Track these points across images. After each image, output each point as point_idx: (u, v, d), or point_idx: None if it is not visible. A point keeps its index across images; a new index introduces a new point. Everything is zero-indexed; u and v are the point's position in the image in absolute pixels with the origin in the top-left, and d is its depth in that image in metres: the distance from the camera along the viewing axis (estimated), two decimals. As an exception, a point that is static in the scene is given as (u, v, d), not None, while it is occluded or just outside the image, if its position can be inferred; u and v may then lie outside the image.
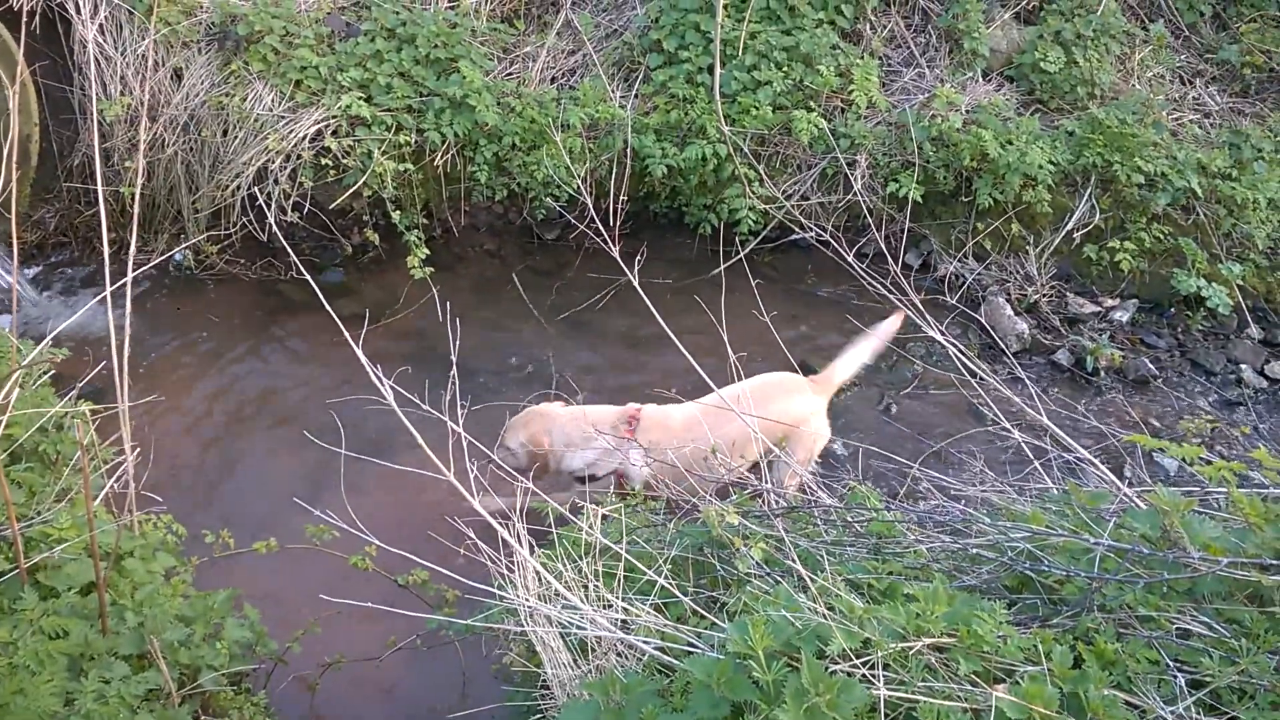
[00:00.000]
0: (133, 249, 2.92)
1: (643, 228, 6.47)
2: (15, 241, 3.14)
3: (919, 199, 6.07)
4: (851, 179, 6.11)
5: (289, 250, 3.28)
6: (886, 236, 6.09)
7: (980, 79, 6.82)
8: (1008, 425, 2.82)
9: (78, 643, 2.57)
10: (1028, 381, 3.05)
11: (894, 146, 6.32)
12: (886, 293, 3.06)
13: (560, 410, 4.10)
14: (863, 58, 6.54)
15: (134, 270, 3.09)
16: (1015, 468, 3.15)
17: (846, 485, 2.89)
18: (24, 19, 3.12)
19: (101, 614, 2.72)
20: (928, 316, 2.95)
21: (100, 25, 5.75)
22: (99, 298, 3.28)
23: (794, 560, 2.32)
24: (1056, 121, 6.62)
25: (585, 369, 5.06)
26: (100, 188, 2.94)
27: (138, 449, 3.21)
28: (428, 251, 5.82)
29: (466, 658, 3.44)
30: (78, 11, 5.68)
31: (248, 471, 4.60)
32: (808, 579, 2.19)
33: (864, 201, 5.72)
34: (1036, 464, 2.83)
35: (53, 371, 3.84)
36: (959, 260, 6.21)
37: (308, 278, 2.90)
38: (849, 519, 2.64)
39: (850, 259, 3.20)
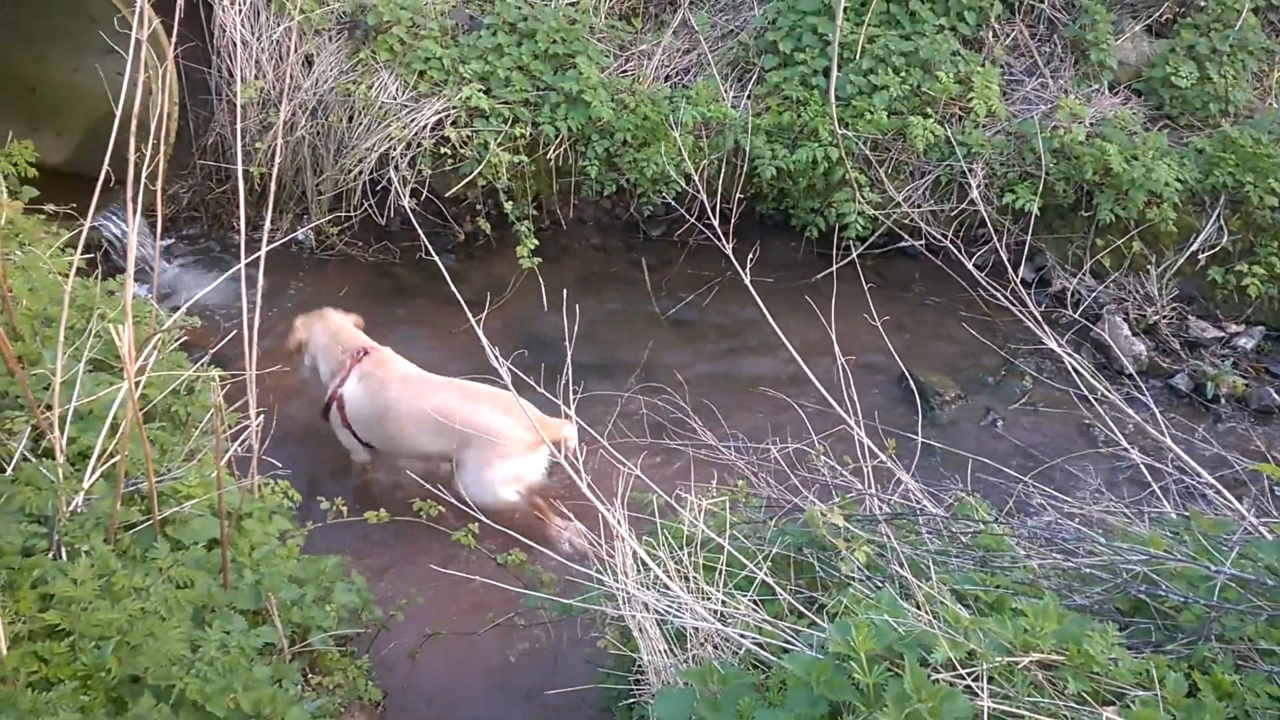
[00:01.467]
0: (267, 227, 3.06)
1: (748, 228, 6.47)
2: (159, 216, 3.31)
3: (1037, 211, 5.91)
4: (968, 188, 5.99)
5: (419, 232, 3.41)
6: (995, 248, 5.95)
7: (1106, 91, 6.62)
8: (1126, 445, 2.74)
9: (202, 594, 2.70)
10: (1150, 403, 2.95)
11: (1012, 157, 6.18)
12: (1006, 304, 3.00)
13: (335, 318, 4.62)
14: (984, 65, 6.42)
15: (267, 246, 3.23)
16: (1130, 490, 3.07)
17: (954, 496, 2.86)
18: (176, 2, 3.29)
19: (224, 569, 2.86)
20: (1048, 330, 2.89)
21: (239, 10, 6.02)
22: (233, 271, 3.44)
23: (899, 567, 2.31)
24: (1186, 138, 6.38)
25: (685, 364, 5.08)
26: (240, 167, 3.09)
27: (262, 415, 3.36)
28: (536, 242, 5.93)
29: (560, 638, 3.50)
30: (220, -2, 5.97)
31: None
32: (914, 586, 2.17)
33: (982, 211, 5.59)
34: (1155, 486, 2.74)
35: (183, 339, 4.05)
36: (1076, 276, 6.04)
37: (437, 261, 3.02)
38: (955, 530, 2.60)
39: (971, 267, 3.16)
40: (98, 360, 3.34)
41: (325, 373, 4.47)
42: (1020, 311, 2.92)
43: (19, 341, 3.25)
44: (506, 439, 4.02)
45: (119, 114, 2.80)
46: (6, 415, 2.94)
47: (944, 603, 2.17)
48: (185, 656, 2.39)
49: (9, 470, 2.78)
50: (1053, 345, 2.84)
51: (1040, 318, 3.08)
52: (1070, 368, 2.98)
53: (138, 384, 2.56)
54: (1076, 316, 4.69)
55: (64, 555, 2.60)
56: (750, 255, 3.36)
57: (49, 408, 2.88)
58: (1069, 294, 5.98)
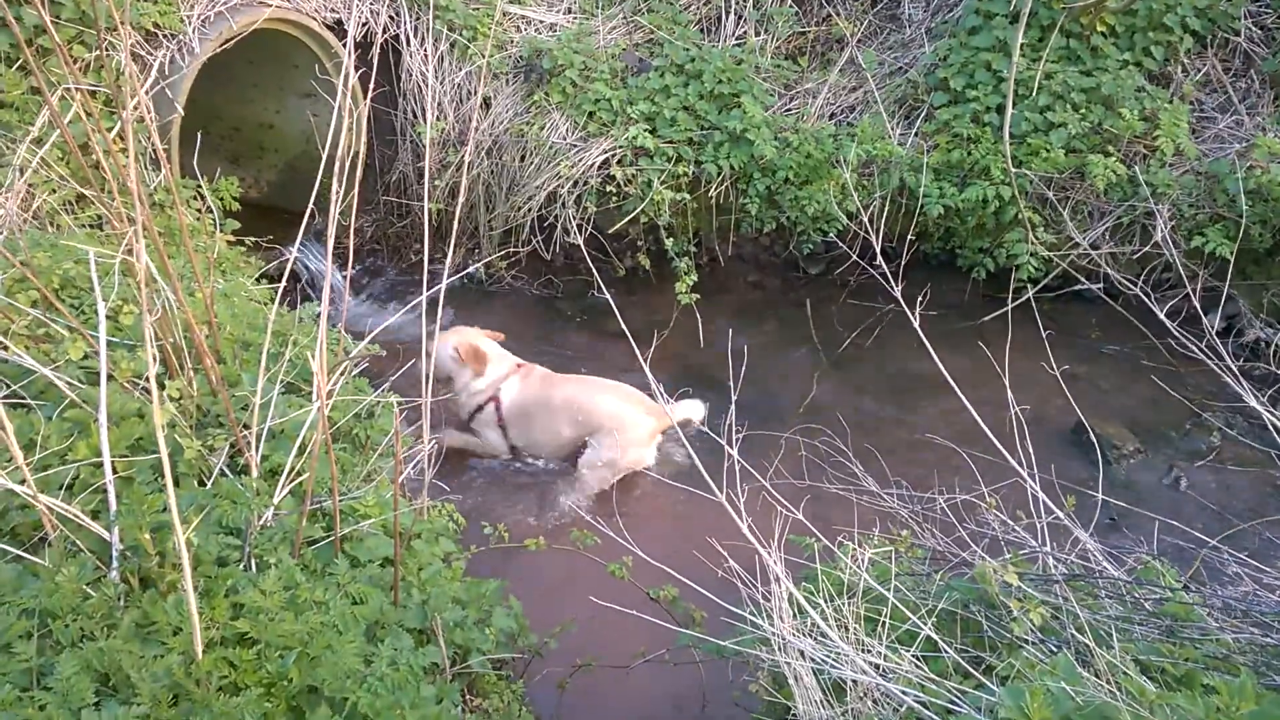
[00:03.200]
0: (449, 261, 3.21)
1: (912, 267, 6.31)
2: (351, 248, 3.54)
3: (1228, 256, 5.54)
4: (1152, 230, 5.67)
5: (586, 267, 3.49)
6: (1186, 295, 5.60)
7: (1310, 128, 6.15)
8: (1334, 514, 2.52)
9: (375, 610, 2.83)
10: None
11: (1202, 198, 5.81)
12: (1199, 355, 2.82)
13: (487, 339, 5.00)
14: (1172, 101, 6.09)
15: (448, 280, 3.39)
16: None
17: (1136, 558, 2.69)
18: (373, 49, 3.53)
19: (395, 587, 2.99)
20: (1246, 384, 2.69)
21: (425, 56, 6.38)
22: (415, 303, 3.63)
23: (1076, 632, 2.19)
24: (1398, 179, 5.84)
25: (846, 406, 5.01)
26: (427, 204, 3.26)
27: (433, 440, 3.51)
28: (695, 279, 5.99)
29: (709, 679, 3.48)
30: (408, 44, 6.34)
31: (526, 472, 4.91)
32: (1095, 652, 2.05)
33: (1169, 255, 5.29)
34: (1368, 561, 2.50)
35: (364, 365, 4.29)
36: (1272, 326, 5.61)
37: (608, 297, 3.09)
38: (1138, 595, 2.45)
39: (1161, 315, 2.98)
40: (290, 383, 3.58)
41: (467, 383, 4.92)
42: (1216, 364, 2.73)
43: (221, 364, 3.51)
44: (629, 425, 4.48)
45: (325, 155, 3.00)
46: (209, 433, 3.18)
47: (1127, 673, 2.04)
48: (359, 671, 2.50)
49: (209, 484, 3.00)
50: (1250, 400, 2.64)
51: (1236, 370, 2.88)
52: (1269, 422, 2.76)
53: (325, 407, 2.73)
54: (1276, 370, 4.34)
55: (254, 567, 2.78)
56: (920, 296, 3.28)
57: (246, 427, 3.11)
58: (1264, 345, 5.56)
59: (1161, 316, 2.95)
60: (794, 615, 2.68)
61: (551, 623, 3.57)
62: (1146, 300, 3.40)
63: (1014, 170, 5.83)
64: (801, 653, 2.55)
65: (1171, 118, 5.89)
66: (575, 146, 6.18)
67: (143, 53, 5.12)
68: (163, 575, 2.47)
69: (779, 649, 2.62)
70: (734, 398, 2.84)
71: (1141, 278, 5.80)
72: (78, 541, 2.55)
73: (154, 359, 2.46)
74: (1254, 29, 6.44)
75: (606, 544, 3.57)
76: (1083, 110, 5.94)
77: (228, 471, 3.10)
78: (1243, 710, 1.93)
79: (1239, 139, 6.05)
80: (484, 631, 3.17)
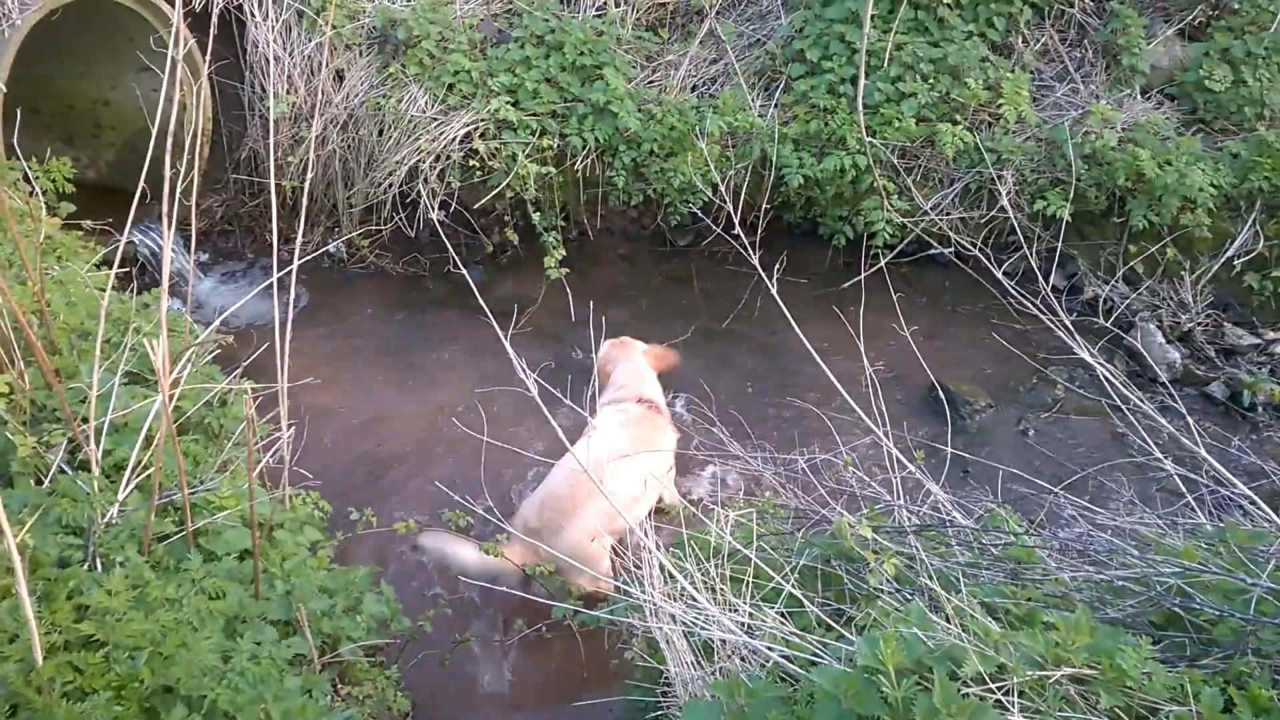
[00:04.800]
0: (300, 240, 3.10)
1: (776, 237, 6.46)
2: (194, 230, 3.38)
3: (1068, 217, 5.86)
4: (998, 195, 5.94)
5: (448, 245, 3.42)
6: (1026, 256, 5.91)
7: (1138, 96, 6.54)
8: (1159, 456, 2.70)
9: (233, 605, 2.73)
10: (1184, 411, 2.91)
11: (1043, 163, 6.12)
12: (1037, 312, 2.97)
13: (640, 357, 4.41)
14: (1013, 71, 6.37)
15: (299, 260, 3.27)
16: (1164, 501, 3.02)
17: (984, 507, 2.83)
18: (211, 19, 3.35)
19: (255, 580, 2.89)
20: (1079, 339, 2.85)
21: (271, 27, 6.11)
22: (266, 284, 3.48)
23: (928, 579, 2.29)
24: (1220, 143, 6.29)
25: (712, 375, 5.08)
26: (273, 181, 3.13)
27: (293, 427, 3.40)
28: (564, 253, 5.96)
29: (587, 650, 3.50)
30: (252, 15, 6.06)
31: (391, 452, 4.81)
32: (943, 598, 2.15)
33: (1012, 218, 5.55)
34: (1189, 497, 2.70)
35: (216, 351, 4.11)
36: (1108, 283, 5.97)
37: (465, 275, 3.05)
38: (985, 541, 2.58)
39: (1000, 276, 3.13)
40: (133, 373, 3.39)
41: (607, 396, 4.22)
42: (1051, 320, 2.89)
43: (56, 355, 3.30)
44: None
45: (156, 131, 2.84)
46: (44, 428, 2.99)
47: (974, 616, 2.15)
48: (217, 667, 2.42)
49: (46, 482, 2.83)
50: (1084, 355, 2.81)
51: (1072, 326, 3.05)
52: (1103, 377, 2.94)
53: (172, 397, 2.60)
54: (1109, 325, 4.63)
55: (99, 566, 2.63)
56: (778, 264, 3.35)
57: (85, 420, 2.93)
58: (1101, 301, 5.92)
59: (1000, 277, 3.10)
60: (665, 581, 2.72)
61: (428, 606, 3.53)
62: (987, 262, 3.56)
63: (868, 140, 6.00)
64: (673, 617, 2.59)
65: (1013, 86, 6.16)
66: (435, 120, 6.03)
67: (-45, 23, 4.73)
68: (-6, 581, 2.32)
69: (651, 615, 2.66)
70: (595, 370, 2.84)
71: (987, 240, 6.09)
72: (-106, 551, 2.36)
73: (-28, 352, 2.29)
74: (1087, 1, 6.79)
75: (479, 522, 3.54)
76: (931, 80, 6.15)
77: (66, 469, 2.92)
78: (1078, 643, 2.05)
79: (1075, 106, 6.38)
80: (354, 619, 3.10)
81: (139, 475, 2.91)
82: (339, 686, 3.04)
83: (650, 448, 3.77)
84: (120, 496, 2.81)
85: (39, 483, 2.87)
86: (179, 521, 2.93)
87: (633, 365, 4.30)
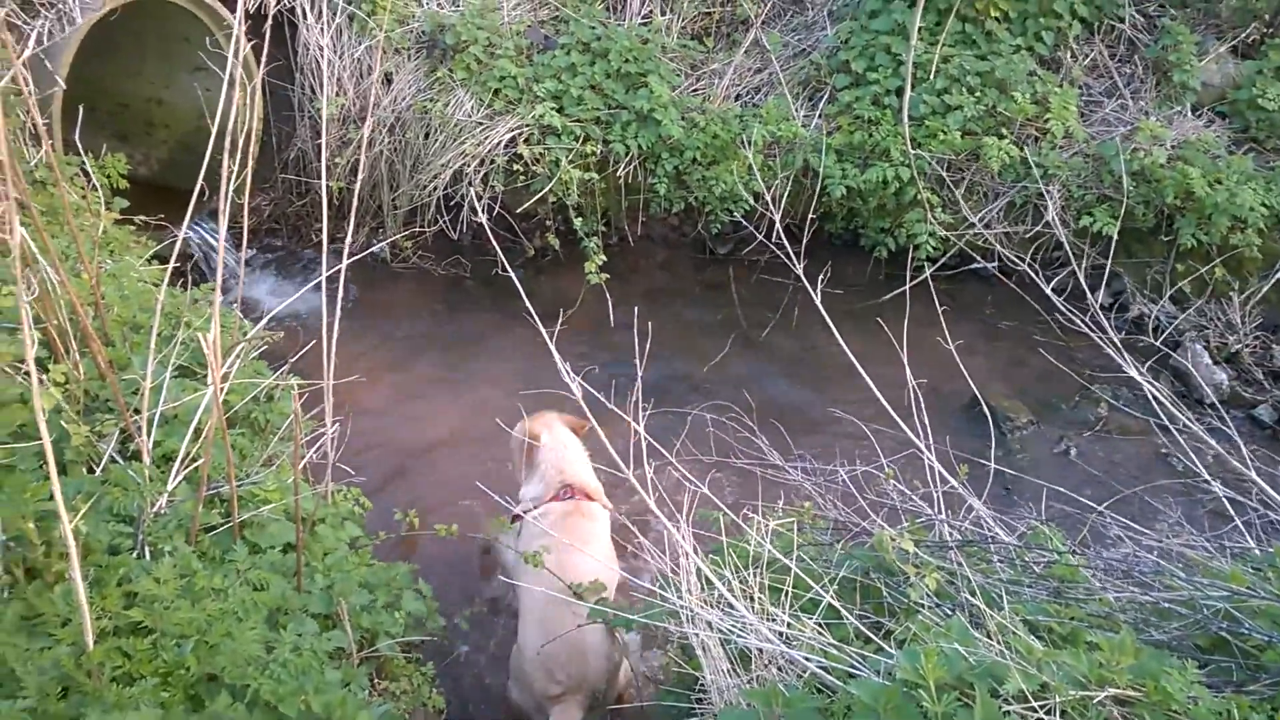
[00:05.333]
0: (349, 240, 3.14)
1: (817, 247, 6.44)
2: (245, 229, 3.44)
3: (1115, 235, 5.79)
4: (1044, 210, 5.89)
5: (492, 247, 3.45)
6: (1073, 272, 5.84)
7: (1189, 114, 6.46)
8: (1208, 477, 2.67)
9: (277, 597, 2.77)
10: (1234, 434, 2.86)
11: (1090, 179, 6.06)
12: (1084, 329, 2.94)
13: (561, 430, 3.90)
14: (1061, 86, 6.32)
15: (348, 259, 3.32)
16: (1211, 524, 2.97)
17: (1027, 524, 2.80)
18: (266, 21, 3.40)
19: (298, 573, 2.93)
20: (1128, 356, 2.82)
21: (323, 30, 6.20)
22: (315, 282, 3.54)
23: (969, 595, 2.27)
24: (1272, 162, 6.20)
25: (752, 384, 5.08)
26: (324, 181, 3.17)
27: (337, 424, 3.44)
28: (604, 259, 5.98)
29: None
30: (304, 17, 6.15)
31: (432, 451, 4.85)
32: (986, 614, 2.13)
33: (1059, 234, 5.50)
34: (1237, 521, 2.66)
35: (263, 347, 4.17)
36: (1155, 302, 5.89)
37: (512, 276, 3.06)
38: (1028, 559, 2.55)
39: (1048, 291, 3.10)
40: (184, 367, 3.45)
41: (529, 487, 3.86)
42: (1099, 337, 2.86)
43: (110, 347, 3.37)
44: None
45: (215, 130, 2.90)
46: (97, 418, 3.06)
47: (1016, 633, 2.13)
48: (260, 657, 2.45)
49: (99, 471, 2.89)
50: (1132, 372, 2.77)
51: (1119, 344, 3.01)
52: (1150, 394, 2.91)
53: (221, 390, 2.64)
54: (1157, 344, 4.56)
55: (148, 555, 2.68)
56: (821, 275, 3.34)
57: (137, 412, 2.99)
58: (1148, 320, 5.84)
59: (1048, 292, 3.07)
60: (702, 588, 2.72)
61: (468, 606, 3.56)
62: (1035, 277, 3.53)
63: (913, 152, 5.98)
64: (709, 624, 2.59)
65: (1061, 101, 6.11)
66: (481, 124, 6.09)
67: (19, 21, 4.85)
68: (49, 565, 2.37)
69: (687, 621, 2.66)
70: (639, 374, 2.85)
71: (1032, 256, 6.04)
72: (-45, 533, 2.42)
73: (33, 341, 2.35)
74: (1138, 16, 6.72)
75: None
76: (978, 93, 6.12)
77: (118, 458, 2.98)
78: (1123, 664, 2.03)
79: (1124, 122, 6.31)
80: (393, 615, 3.13)
81: (188, 467, 2.97)
82: (376, 681, 3.07)
83: (586, 542, 3.46)
84: (169, 487, 2.86)
85: (91, 471, 2.93)
86: (225, 513, 2.98)
87: (554, 442, 3.86)
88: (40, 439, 2.07)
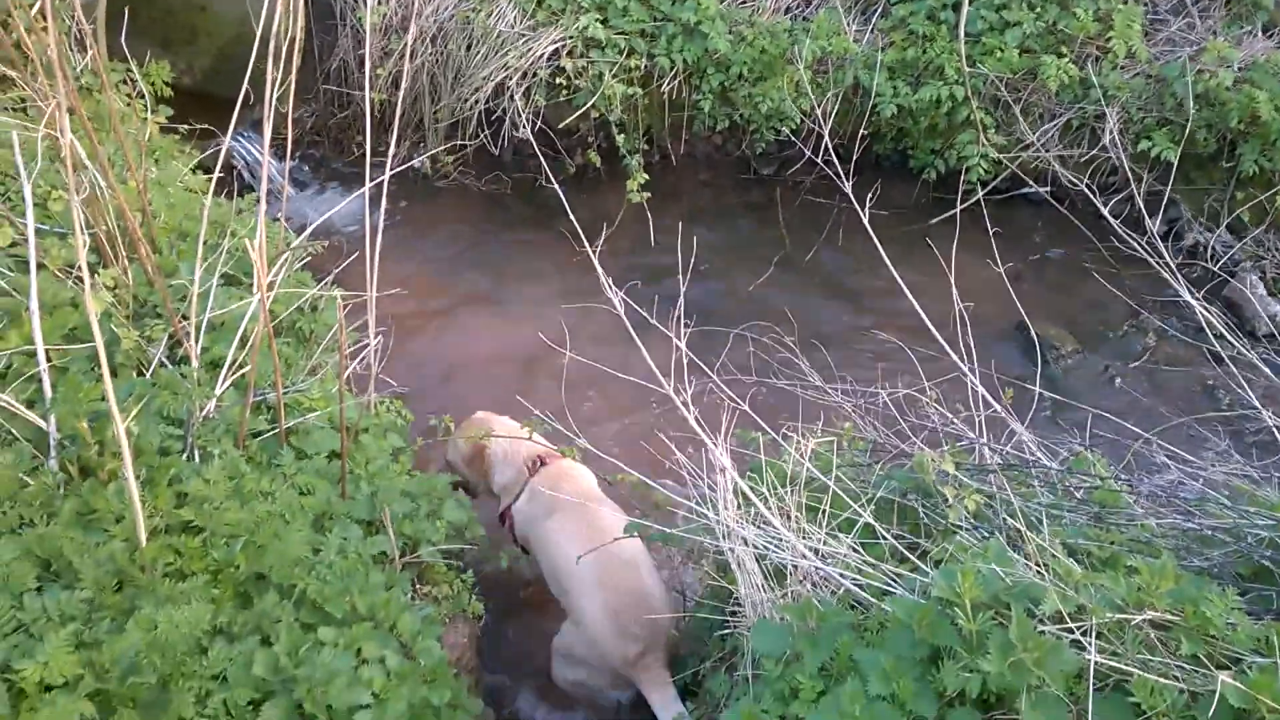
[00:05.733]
0: (391, 153, 3.13)
1: (864, 168, 6.29)
2: (288, 139, 3.44)
3: (1174, 160, 5.60)
4: (1100, 133, 5.70)
5: (535, 162, 3.42)
6: (1130, 198, 5.67)
7: (1259, 34, 6.15)
8: (1258, 405, 2.61)
9: (322, 501, 2.84)
10: (1288, 364, 2.79)
11: (1151, 101, 5.84)
12: (1141, 253, 2.86)
13: (503, 422, 3.67)
14: (1126, 2, 6.04)
15: (390, 171, 3.30)
16: (1259, 455, 2.92)
17: (1070, 450, 2.77)
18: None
19: (342, 480, 2.99)
20: (1182, 281, 2.75)
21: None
22: (358, 194, 3.54)
23: (1009, 517, 2.27)
24: (1347, 85, 5.91)
25: (794, 305, 5.01)
26: (367, 93, 3.14)
27: (380, 335, 3.47)
28: (646, 177, 5.90)
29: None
30: (346, -79, 6.04)
31: (473, 366, 4.89)
32: (1026, 536, 2.13)
33: (1116, 159, 5.33)
34: (1288, 452, 2.61)
35: (307, 258, 4.20)
36: (1212, 231, 5.72)
37: (558, 189, 3.05)
38: (1069, 484, 2.54)
39: (1106, 214, 3.01)
40: (229, 275, 3.49)
41: (500, 482, 3.62)
42: (1155, 260, 2.78)
43: (157, 254, 3.41)
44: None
45: (258, 37, 2.88)
46: (146, 323, 3.11)
47: (1055, 556, 2.13)
48: (307, 559, 2.52)
49: (148, 375, 2.94)
50: (1185, 295, 2.70)
51: (1174, 267, 2.93)
52: (1202, 318, 2.84)
53: (267, 299, 2.67)
54: (1215, 269, 4.43)
55: (197, 458, 2.75)
56: (870, 195, 3.28)
57: (185, 318, 3.04)
58: (1203, 250, 5.68)
59: (1105, 214, 2.99)
60: (739, 505, 2.74)
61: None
62: (1092, 197, 3.43)
63: (968, 70, 5.79)
64: (745, 540, 2.61)
65: (1125, 19, 5.85)
66: (523, 36, 5.98)
67: (61, -76, 4.80)
68: (102, 464, 2.44)
69: (723, 537, 2.69)
70: (683, 289, 2.83)
71: (1087, 182, 5.86)
72: (13, 430, 2.50)
73: (85, 243, 2.38)
74: (1211, -71, 6.38)
75: (556, 439, 3.58)
76: (1038, 9, 5.88)
77: (167, 363, 3.04)
78: (1162, 589, 2.02)
79: (1190, 42, 6.05)
80: (434, 524, 3.20)
81: (235, 373, 3.02)
82: (417, 586, 3.15)
83: (586, 491, 3.38)
84: (218, 392, 2.91)
85: (140, 374, 2.99)
86: (272, 420, 3.04)
87: (503, 434, 3.61)
88: (92, 341, 2.11)
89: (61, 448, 2.50)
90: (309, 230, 3.47)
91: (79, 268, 2.90)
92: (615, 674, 3.11)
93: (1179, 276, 2.73)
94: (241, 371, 3.01)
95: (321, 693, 2.13)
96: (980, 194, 5.74)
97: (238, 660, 2.14)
